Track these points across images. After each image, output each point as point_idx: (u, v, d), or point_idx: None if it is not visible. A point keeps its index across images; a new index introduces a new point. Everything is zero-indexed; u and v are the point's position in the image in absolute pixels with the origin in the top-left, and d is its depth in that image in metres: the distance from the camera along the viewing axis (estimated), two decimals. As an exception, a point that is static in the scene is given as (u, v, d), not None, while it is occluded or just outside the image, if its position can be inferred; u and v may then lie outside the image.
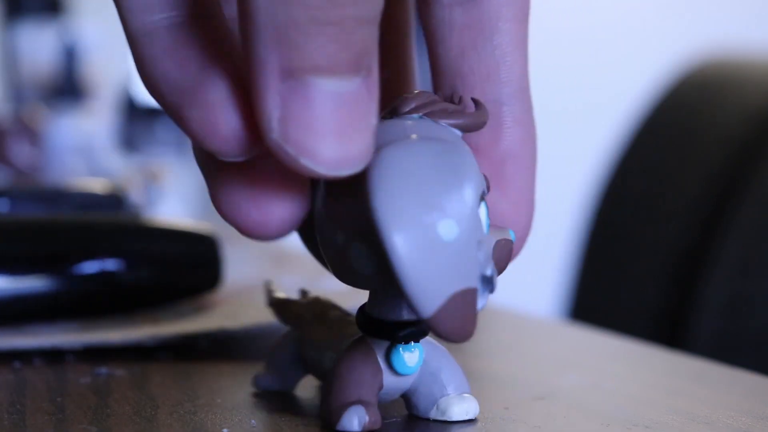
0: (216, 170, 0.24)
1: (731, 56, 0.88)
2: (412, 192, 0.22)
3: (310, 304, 0.29)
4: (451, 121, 0.25)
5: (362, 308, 0.26)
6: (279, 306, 0.30)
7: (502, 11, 0.26)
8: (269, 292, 0.31)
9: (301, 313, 0.29)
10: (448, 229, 0.22)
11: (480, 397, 0.27)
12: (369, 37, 0.22)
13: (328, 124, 0.22)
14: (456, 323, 0.23)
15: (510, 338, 0.41)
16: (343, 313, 0.28)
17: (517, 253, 0.27)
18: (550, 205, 1.83)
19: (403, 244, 0.22)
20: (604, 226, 0.82)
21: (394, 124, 0.24)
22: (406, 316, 0.25)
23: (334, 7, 0.21)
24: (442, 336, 0.23)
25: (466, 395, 0.26)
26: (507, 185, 0.27)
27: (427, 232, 0.22)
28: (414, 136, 0.23)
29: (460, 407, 0.26)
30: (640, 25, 1.70)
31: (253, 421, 0.26)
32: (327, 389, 0.25)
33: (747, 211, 0.70)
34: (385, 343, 0.25)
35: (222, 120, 0.23)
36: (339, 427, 0.25)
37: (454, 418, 0.26)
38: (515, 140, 0.27)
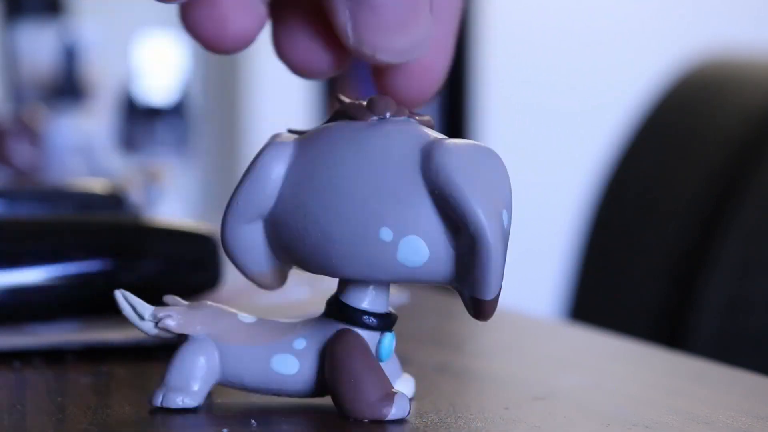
0: None
1: (731, 56, 0.88)
2: (486, 186, 0.25)
3: (210, 310, 0.28)
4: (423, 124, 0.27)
5: (343, 301, 0.27)
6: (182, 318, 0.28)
7: None
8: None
9: (207, 321, 0.28)
10: (508, 218, 0.25)
11: (480, 397, 0.27)
12: None
13: (392, 21, 0.26)
14: (497, 303, 0.26)
15: (510, 338, 0.41)
16: (258, 317, 0.28)
17: (430, 94, 0.30)
18: (550, 205, 1.84)
19: (493, 232, 0.25)
20: (604, 226, 0.82)
21: (407, 126, 0.26)
22: (367, 305, 0.27)
23: None
24: (485, 316, 0.25)
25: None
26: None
27: (500, 221, 0.25)
28: (439, 135, 0.26)
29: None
30: (640, 26, 1.70)
31: (253, 421, 0.26)
32: (350, 386, 0.26)
33: (747, 211, 0.70)
34: (366, 334, 0.27)
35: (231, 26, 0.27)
36: (392, 416, 0.26)
37: None
38: None
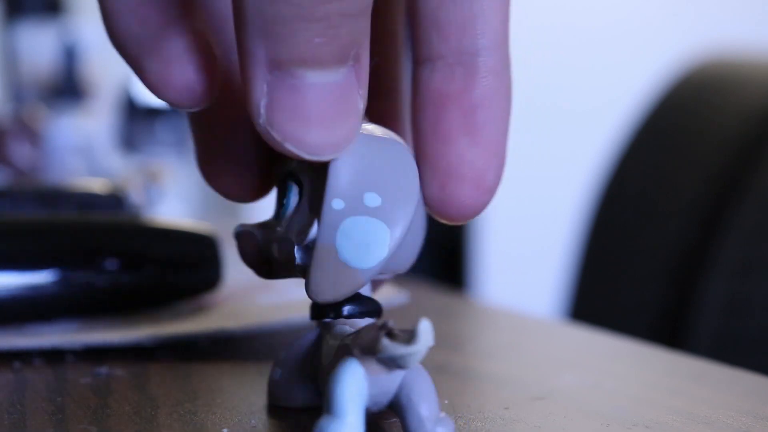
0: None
1: (731, 56, 0.88)
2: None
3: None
4: None
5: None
6: None
7: None
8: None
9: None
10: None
11: (480, 397, 0.27)
12: (356, 30, 0.23)
13: (313, 112, 0.23)
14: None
15: (510, 338, 0.41)
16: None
17: (486, 204, 0.27)
18: (550, 206, 1.84)
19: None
20: (603, 226, 0.82)
21: None
22: None
23: (319, 3, 0.22)
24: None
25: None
26: (478, 133, 0.27)
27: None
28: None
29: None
30: (640, 25, 1.70)
31: (253, 421, 0.26)
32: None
33: (747, 211, 0.70)
34: None
35: (176, 74, 0.24)
36: None
37: None
38: (488, 89, 0.27)
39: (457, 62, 0.27)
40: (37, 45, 1.38)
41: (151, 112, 1.71)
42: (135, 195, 0.61)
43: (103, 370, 0.32)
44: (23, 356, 0.34)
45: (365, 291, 0.27)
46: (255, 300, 0.40)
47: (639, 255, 0.79)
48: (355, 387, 0.24)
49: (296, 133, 0.23)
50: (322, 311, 0.27)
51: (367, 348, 0.24)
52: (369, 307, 0.27)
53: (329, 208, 0.24)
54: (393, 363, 0.23)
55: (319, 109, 0.23)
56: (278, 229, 0.26)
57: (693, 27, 1.62)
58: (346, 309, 0.26)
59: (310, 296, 0.25)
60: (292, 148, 0.23)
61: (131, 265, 0.38)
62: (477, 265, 1.69)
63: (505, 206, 1.60)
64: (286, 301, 0.39)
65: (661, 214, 0.78)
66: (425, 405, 0.24)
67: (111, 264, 0.38)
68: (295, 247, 0.25)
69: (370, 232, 0.25)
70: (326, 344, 0.26)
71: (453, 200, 0.27)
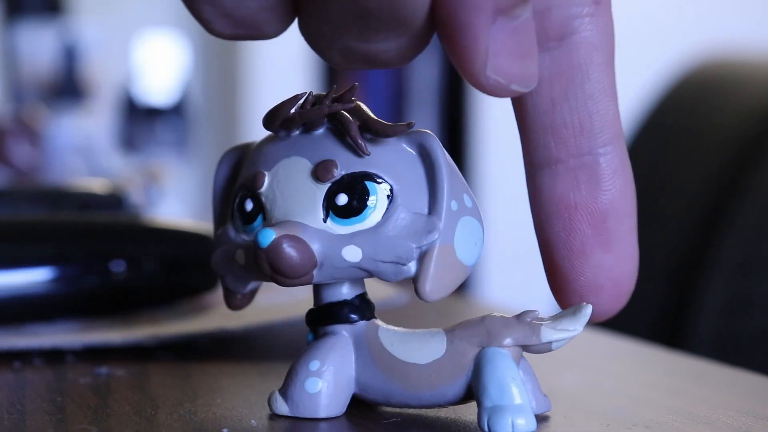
0: None
1: (731, 56, 0.88)
2: None
3: None
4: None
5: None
6: None
7: (592, 56, 0.26)
8: None
9: None
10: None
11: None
12: None
13: (528, 46, 0.23)
14: None
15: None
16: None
17: (623, 305, 0.28)
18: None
19: None
20: (604, 226, 0.82)
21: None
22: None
23: None
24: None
25: None
26: (611, 241, 0.27)
27: None
28: None
29: None
30: (640, 26, 1.70)
31: (253, 421, 0.26)
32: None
33: (747, 211, 0.70)
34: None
35: None
36: None
37: None
38: (616, 193, 0.27)
39: (578, 165, 0.26)
40: (37, 45, 1.38)
41: (151, 112, 1.71)
42: (135, 195, 0.61)
43: (103, 370, 0.32)
44: (23, 356, 0.34)
45: (359, 291, 0.27)
46: (254, 300, 0.40)
47: (639, 255, 0.78)
48: (518, 374, 0.25)
49: (519, 71, 0.23)
50: (321, 317, 0.27)
51: (522, 337, 0.25)
52: (367, 310, 0.27)
53: (449, 210, 0.25)
54: (546, 348, 0.25)
55: (532, 41, 0.23)
56: (243, 236, 0.27)
57: (693, 27, 1.62)
58: (351, 314, 0.26)
59: (422, 296, 0.25)
60: (517, 87, 0.23)
61: (131, 265, 0.38)
62: (477, 265, 1.69)
63: (505, 206, 1.60)
64: (286, 301, 0.39)
65: (661, 214, 0.78)
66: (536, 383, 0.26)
67: (111, 264, 0.38)
68: (412, 249, 0.25)
69: (476, 230, 0.26)
70: (402, 344, 0.26)
71: (594, 310, 0.26)
